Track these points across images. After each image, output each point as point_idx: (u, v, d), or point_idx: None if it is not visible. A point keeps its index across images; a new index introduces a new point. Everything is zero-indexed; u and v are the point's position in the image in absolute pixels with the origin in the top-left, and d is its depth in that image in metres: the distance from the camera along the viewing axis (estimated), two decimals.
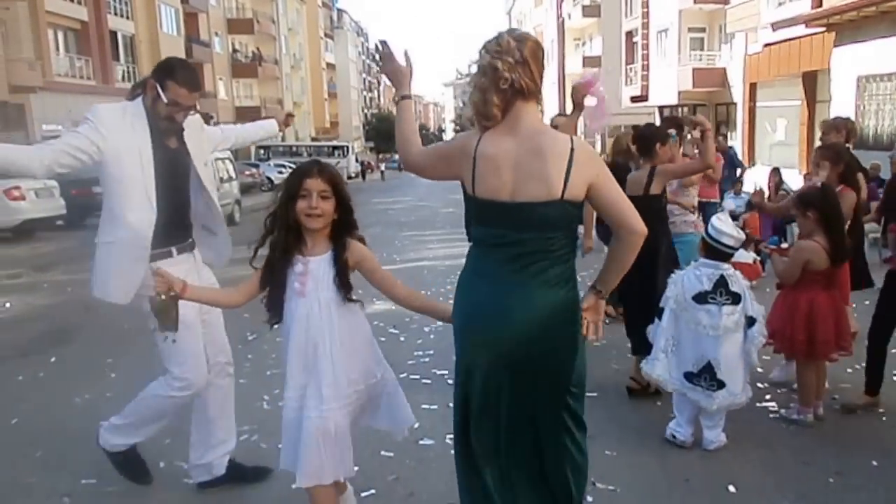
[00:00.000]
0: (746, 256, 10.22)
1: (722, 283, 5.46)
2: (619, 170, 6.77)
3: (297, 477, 3.83)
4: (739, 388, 5.51)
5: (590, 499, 4.73)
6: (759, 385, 6.69)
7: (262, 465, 5.25)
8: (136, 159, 4.52)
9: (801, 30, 23.46)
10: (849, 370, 6.50)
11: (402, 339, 7.13)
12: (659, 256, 6.21)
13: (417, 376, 7.26)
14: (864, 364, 6.32)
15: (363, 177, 64.72)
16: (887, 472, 5.23)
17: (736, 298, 5.46)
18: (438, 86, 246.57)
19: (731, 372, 5.45)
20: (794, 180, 16.03)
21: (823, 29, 22.45)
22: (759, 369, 6.70)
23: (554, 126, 5.58)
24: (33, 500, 5.17)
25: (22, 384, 7.65)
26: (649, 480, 5.12)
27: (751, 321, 5.53)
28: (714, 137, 7.05)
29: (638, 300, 6.36)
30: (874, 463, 5.34)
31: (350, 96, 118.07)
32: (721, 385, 5.41)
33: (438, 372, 7.41)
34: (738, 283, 5.51)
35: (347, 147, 65.96)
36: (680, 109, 38.69)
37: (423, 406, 6.38)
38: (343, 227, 3.90)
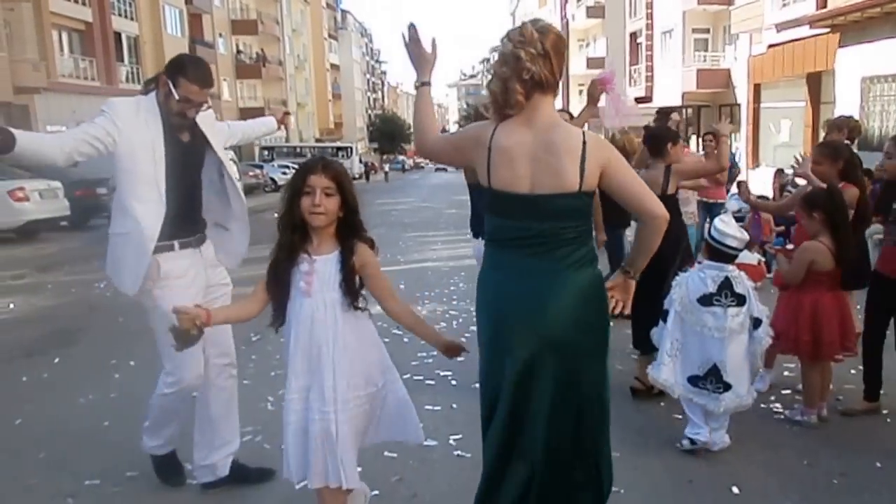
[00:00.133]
0: (751, 257, 10.20)
1: (727, 284, 5.44)
2: None
3: (308, 477, 3.81)
4: (745, 389, 5.49)
5: None
6: (759, 389, 6.68)
7: (266, 467, 5.25)
8: (148, 153, 4.57)
9: (805, 31, 23.43)
10: (852, 371, 6.49)
11: (405, 339, 7.12)
12: (674, 255, 6.20)
13: (421, 377, 7.25)
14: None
15: (367, 178, 64.76)
16: (891, 473, 5.23)
17: (741, 300, 5.44)
18: (442, 87, 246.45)
19: (737, 373, 5.42)
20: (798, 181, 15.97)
21: (828, 30, 22.42)
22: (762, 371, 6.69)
23: None
24: (37, 500, 5.16)
25: (26, 385, 7.65)
26: (653, 481, 5.11)
27: (756, 322, 5.52)
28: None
29: (647, 299, 6.35)
30: (878, 464, 5.34)
31: (354, 97, 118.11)
32: (727, 387, 5.38)
33: (442, 373, 7.40)
34: (742, 284, 5.50)
35: (351, 148, 65.99)
36: (684, 110, 38.63)
37: (427, 407, 6.38)
38: (349, 227, 3.85)
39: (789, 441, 5.78)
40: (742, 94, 32.14)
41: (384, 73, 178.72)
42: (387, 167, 77.72)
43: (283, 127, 6.11)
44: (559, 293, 3.58)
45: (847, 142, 7.93)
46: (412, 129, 4.06)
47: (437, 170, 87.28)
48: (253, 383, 6.86)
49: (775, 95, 29.30)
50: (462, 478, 5.25)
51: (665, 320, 5.66)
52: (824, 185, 6.23)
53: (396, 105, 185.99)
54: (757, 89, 30.65)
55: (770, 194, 13.61)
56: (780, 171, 13.82)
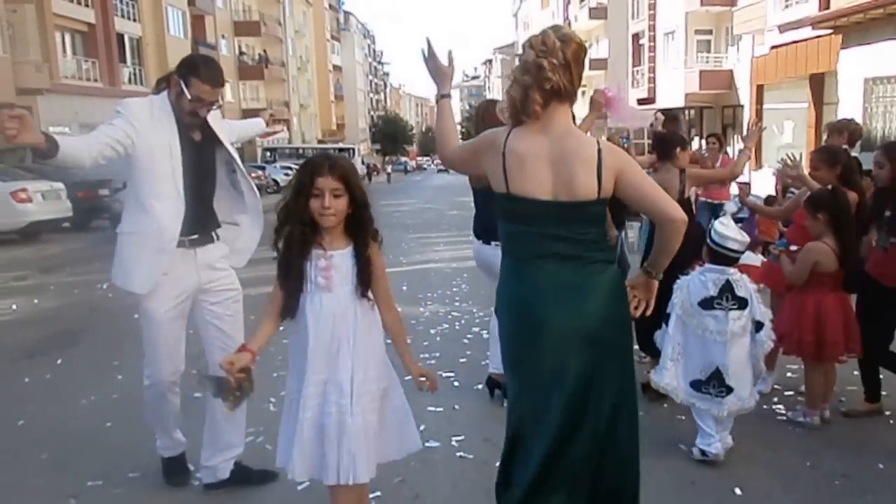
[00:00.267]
0: (754, 259, 10.18)
1: (728, 287, 5.41)
2: None
3: (322, 475, 3.78)
4: (747, 392, 5.46)
5: None
6: (762, 391, 6.67)
7: (269, 469, 5.22)
8: (165, 152, 4.63)
9: (807, 32, 23.43)
10: (855, 372, 6.48)
11: (407, 341, 7.11)
12: (693, 256, 6.21)
13: (423, 378, 7.25)
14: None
15: (369, 179, 64.69)
16: (894, 474, 5.22)
17: (742, 303, 5.41)
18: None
19: (739, 377, 5.39)
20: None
21: (830, 31, 22.41)
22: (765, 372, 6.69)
23: None
24: (39, 501, 5.17)
25: (28, 386, 7.66)
26: (655, 483, 5.09)
27: (758, 325, 5.51)
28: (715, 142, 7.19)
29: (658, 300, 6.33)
30: (881, 465, 5.34)
31: (356, 98, 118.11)
32: (729, 391, 5.34)
33: (444, 374, 7.41)
34: (744, 287, 5.48)
35: (353, 149, 65.88)
36: (687, 112, 38.64)
37: (429, 408, 6.38)
38: (359, 222, 3.84)
39: (792, 442, 5.78)
40: (745, 96, 32.15)
41: (386, 74, 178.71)
42: (389, 168, 77.78)
43: (284, 127, 6.15)
44: (589, 293, 3.61)
45: (846, 146, 7.92)
46: (435, 140, 4.08)
47: (439, 171, 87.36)
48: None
49: (778, 97, 29.29)
50: (464, 479, 5.27)
51: (667, 324, 5.63)
52: (817, 186, 6.24)
53: (399, 106, 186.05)
54: (759, 90, 30.65)
55: (772, 192, 13.59)
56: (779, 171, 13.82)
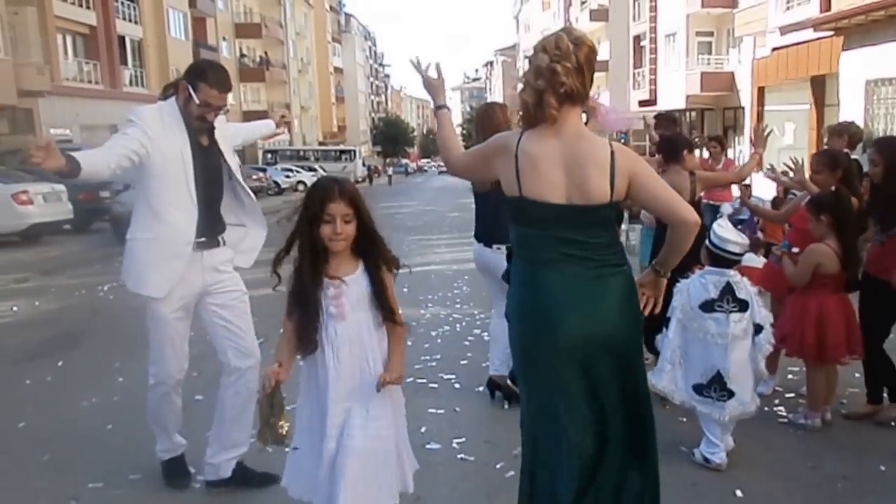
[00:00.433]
0: (756, 261, 10.17)
1: (728, 290, 5.38)
2: None
3: (337, 500, 3.64)
4: (749, 396, 5.43)
5: None
6: (763, 392, 6.67)
7: (270, 472, 5.21)
8: (178, 158, 4.71)
9: (809, 34, 23.39)
10: (857, 374, 6.47)
11: (409, 343, 7.10)
12: (685, 262, 6.20)
13: (424, 380, 7.27)
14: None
15: (370, 181, 64.76)
16: (895, 476, 5.21)
17: (743, 305, 5.38)
18: (446, 90, 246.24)
19: (741, 380, 5.35)
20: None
21: (832, 33, 22.37)
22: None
23: None
24: (40, 503, 5.17)
25: (30, 388, 7.66)
26: None
27: (758, 329, 5.49)
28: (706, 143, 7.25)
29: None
30: (882, 468, 5.33)
31: (357, 100, 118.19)
32: (731, 394, 5.31)
33: (445, 376, 7.42)
34: (744, 289, 5.46)
35: (355, 151, 66.01)
36: (688, 114, 38.63)
37: (430, 410, 6.39)
38: (366, 242, 3.80)
39: (793, 445, 5.77)
40: (746, 98, 32.12)
41: (387, 76, 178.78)
42: (390, 170, 77.66)
43: (286, 129, 6.16)
44: (602, 297, 3.61)
45: (847, 149, 7.92)
46: (439, 150, 4.10)
47: (440, 173, 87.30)
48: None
49: (779, 98, 29.26)
50: (465, 481, 5.27)
51: (667, 328, 5.61)
52: (816, 190, 6.25)
53: (400, 108, 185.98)
54: (761, 92, 30.62)
55: (773, 195, 13.58)
56: (784, 174, 13.79)
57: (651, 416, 3.89)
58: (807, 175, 6.80)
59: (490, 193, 4.93)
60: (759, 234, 11.84)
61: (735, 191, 12.95)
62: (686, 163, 6.89)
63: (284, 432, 3.78)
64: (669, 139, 7.27)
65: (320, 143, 79.32)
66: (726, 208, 11.67)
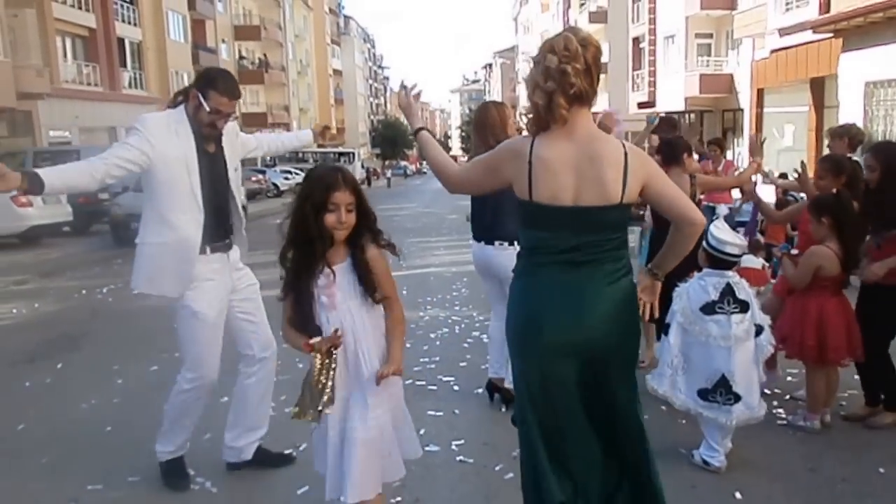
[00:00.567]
0: (755, 262, 10.18)
1: (728, 291, 5.36)
2: None
3: (344, 492, 3.74)
4: (756, 400, 5.38)
5: None
6: (766, 391, 6.67)
7: (285, 453, 5.54)
8: (182, 165, 4.81)
9: (808, 35, 23.40)
10: (856, 377, 6.46)
11: (407, 345, 7.10)
12: (683, 266, 6.20)
13: (423, 382, 7.27)
14: None
15: (369, 183, 64.63)
16: (894, 479, 5.21)
17: (744, 306, 5.35)
18: (445, 92, 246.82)
19: (746, 383, 5.29)
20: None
21: (831, 35, 22.39)
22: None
23: None
24: None
25: (29, 390, 7.66)
26: None
27: (758, 329, 5.48)
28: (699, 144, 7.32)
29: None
30: (881, 470, 5.33)
31: (356, 102, 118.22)
32: (737, 398, 5.25)
33: (444, 378, 7.42)
34: (744, 290, 5.45)
35: (353, 153, 65.81)
36: (687, 116, 38.64)
37: (429, 412, 6.39)
38: (359, 231, 3.80)
39: (792, 447, 5.77)
40: (745, 99, 32.15)
41: (387, 78, 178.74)
42: (389, 172, 77.62)
43: (324, 138, 6.19)
44: (597, 308, 3.61)
45: (848, 151, 7.92)
46: (433, 173, 4.07)
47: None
48: None
49: (778, 100, 29.29)
50: (464, 483, 5.27)
51: (666, 333, 5.57)
52: (815, 191, 6.25)
53: (399, 110, 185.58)
54: (760, 94, 30.65)
55: (773, 199, 13.58)
56: (783, 176, 13.79)
57: (641, 427, 3.88)
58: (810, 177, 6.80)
59: (487, 194, 4.93)
60: (760, 237, 11.86)
61: (735, 192, 12.99)
62: (686, 166, 6.91)
63: (326, 407, 3.74)
64: (669, 142, 7.29)
65: (319, 146, 78.23)
66: (722, 209, 11.74)
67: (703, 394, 5.33)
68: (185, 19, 51.64)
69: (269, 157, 56.77)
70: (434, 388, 7.18)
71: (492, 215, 6.10)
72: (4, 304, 12.57)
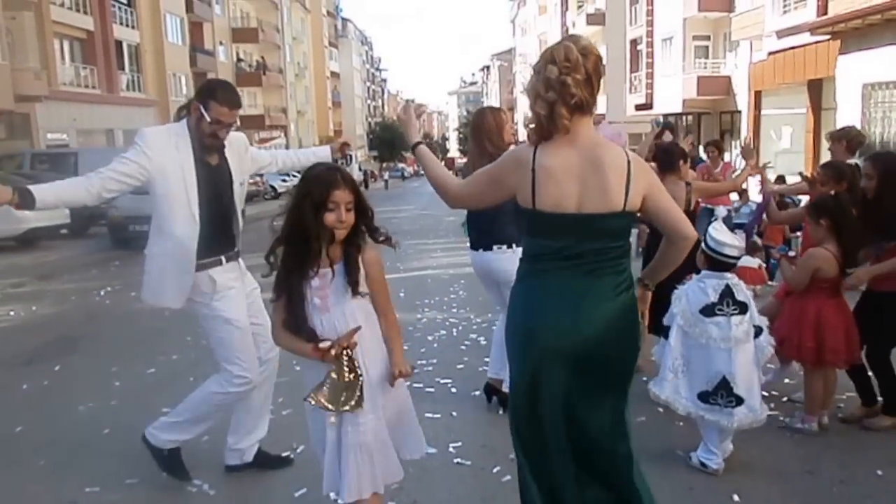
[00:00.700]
0: (751, 261, 10.19)
1: (728, 292, 5.35)
2: None
3: (341, 492, 3.76)
4: (757, 403, 5.36)
5: None
6: (763, 393, 6.66)
7: (283, 455, 5.60)
8: (179, 176, 4.87)
9: (806, 38, 23.39)
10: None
11: (405, 347, 7.10)
12: (680, 270, 6.21)
13: (420, 385, 7.26)
14: (869, 372, 6.27)
15: (366, 185, 64.60)
16: (892, 481, 5.21)
17: (743, 308, 5.35)
18: (442, 94, 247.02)
19: (747, 385, 5.28)
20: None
21: (828, 37, 22.39)
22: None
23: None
24: None
25: (26, 392, 7.66)
26: (652, 488, 5.10)
27: (757, 331, 5.48)
28: (689, 144, 7.38)
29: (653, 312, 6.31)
30: (879, 472, 5.33)
31: (354, 105, 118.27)
32: (739, 401, 5.24)
33: (441, 381, 7.42)
34: (743, 291, 5.45)
35: (351, 156, 65.66)
36: (684, 118, 38.65)
37: (427, 415, 6.38)
38: (357, 230, 3.77)
39: (790, 449, 5.77)
40: (743, 101, 32.14)
41: (384, 80, 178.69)
42: (386, 175, 77.56)
43: (342, 155, 6.18)
44: (597, 318, 3.60)
45: (847, 154, 7.94)
46: (433, 188, 4.04)
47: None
48: None
49: (776, 102, 29.29)
50: (462, 485, 5.27)
51: (666, 337, 5.56)
52: (805, 190, 6.26)
53: (396, 113, 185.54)
54: (758, 96, 30.65)
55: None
56: (780, 178, 13.82)
57: (629, 456, 3.86)
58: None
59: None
60: (757, 239, 11.88)
61: (733, 195, 13.00)
62: (681, 172, 6.93)
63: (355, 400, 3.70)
64: (665, 149, 7.31)
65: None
66: (721, 211, 11.77)
67: (704, 396, 5.32)
68: (182, 22, 51.66)
69: None
70: (431, 390, 7.18)
71: (489, 219, 6.07)
72: (2, 306, 12.57)
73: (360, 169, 68.38)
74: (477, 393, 6.93)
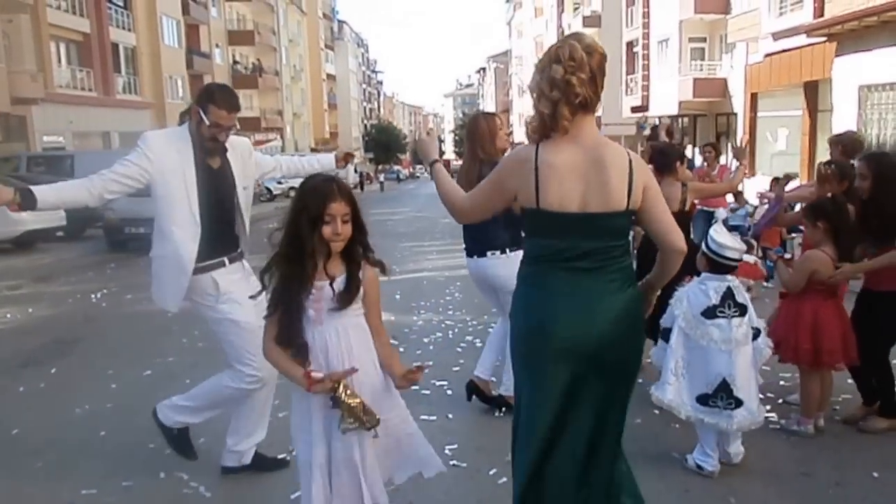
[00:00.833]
0: (748, 257, 10.19)
1: (729, 295, 5.35)
2: None
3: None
4: (756, 405, 5.37)
5: None
6: (760, 396, 6.66)
7: (279, 457, 5.60)
8: (179, 179, 4.93)
9: (802, 39, 23.41)
10: (849, 381, 6.47)
11: (401, 349, 7.14)
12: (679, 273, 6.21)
13: (416, 387, 7.20)
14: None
15: (362, 188, 64.56)
16: (887, 483, 5.22)
17: (743, 310, 5.37)
18: (438, 96, 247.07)
19: (747, 388, 5.30)
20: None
21: (824, 39, 22.41)
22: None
23: None
24: None
25: (23, 395, 7.66)
26: (649, 492, 5.06)
27: (755, 333, 5.48)
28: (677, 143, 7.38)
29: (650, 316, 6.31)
30: (875, 474, 5.34)
31: (350, 107, 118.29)
32: (738, 403, 5.24)
33: (437, 383, 7.41)
34: (742, 293, 5.46)
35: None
36: (680, 120, 38.67)
37: (423, 417, 6.37)
38: (355, 244, 3.72)
39: (786, 451, 5.78)
40: (739, 103, 32.16)
41: (380, 83, 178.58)
42: (382, 177, 77.58)
43: (345, 165, 6.22)
44: (603, 316, 3.61)
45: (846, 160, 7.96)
46: (442, 202, 4.04)
47: (432, 180, 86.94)
48: None
49: (772, 104, 29.30)
50: (457, 487, 5.27)
51: (667, 339, 5.56)
52: (806, 195, 6.26)
53: (392, 115, 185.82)
54: (754, 98, 30.67)
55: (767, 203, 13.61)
56: (776, 180, 13.81)
57: (618, 441, 3.89)
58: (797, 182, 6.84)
59: None
60: (753, 241, 11.89)
61: (729, 197, 13.02)
62: (678, 174, 6.94)
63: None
64: (662, 150, 7.32)
65: (313, 150, 79.19)
66: (720, 213, 11.78)
67: (703, 399, 5.32)
68: (178, 24, 51.59)
69: None
70: (427, 392, 7.17)
71: (482, 225, 6.05)
72: None
73: (356, 171, 68.31)
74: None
